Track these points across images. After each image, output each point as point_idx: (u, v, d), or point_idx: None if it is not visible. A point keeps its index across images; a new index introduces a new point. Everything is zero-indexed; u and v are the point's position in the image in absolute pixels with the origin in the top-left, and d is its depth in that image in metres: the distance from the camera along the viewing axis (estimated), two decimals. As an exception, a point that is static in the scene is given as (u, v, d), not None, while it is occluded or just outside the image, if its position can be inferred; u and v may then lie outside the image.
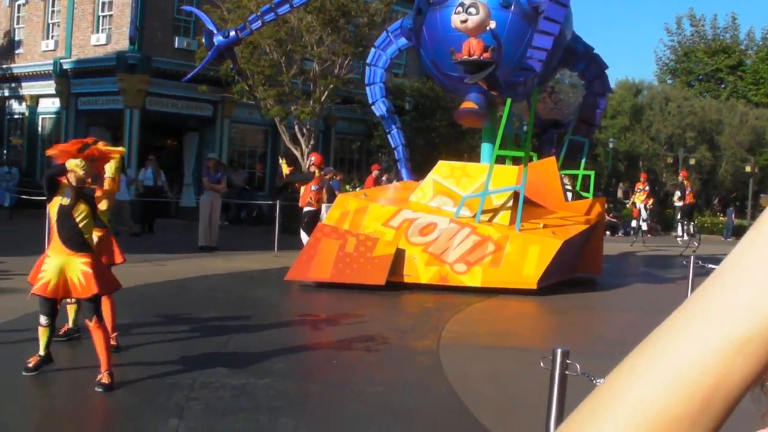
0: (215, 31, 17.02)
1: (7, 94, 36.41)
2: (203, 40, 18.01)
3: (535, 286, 14.38)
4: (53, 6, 34.32)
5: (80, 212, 7.45)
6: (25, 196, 22.59)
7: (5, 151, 35.84)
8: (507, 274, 14.62)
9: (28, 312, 10.92)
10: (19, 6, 36.01)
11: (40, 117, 35.39)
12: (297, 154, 29.55)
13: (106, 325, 7.78)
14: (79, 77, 32.32)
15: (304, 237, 17.34)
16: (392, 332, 11.13)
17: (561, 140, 18.97)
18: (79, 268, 7.32)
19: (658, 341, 0.78)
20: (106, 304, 8.37)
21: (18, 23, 36.17)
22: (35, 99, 35.05)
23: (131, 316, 11.01)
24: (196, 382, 7.71)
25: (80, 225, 7.43)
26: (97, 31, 32.06)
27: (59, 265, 7.30)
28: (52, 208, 7.43)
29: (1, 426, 6.49)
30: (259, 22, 17.42)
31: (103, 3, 32.02)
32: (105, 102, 31.80)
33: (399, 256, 14.84)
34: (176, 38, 30.46)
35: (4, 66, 35.78)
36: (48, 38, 34.33)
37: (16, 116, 36.72)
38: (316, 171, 18.18)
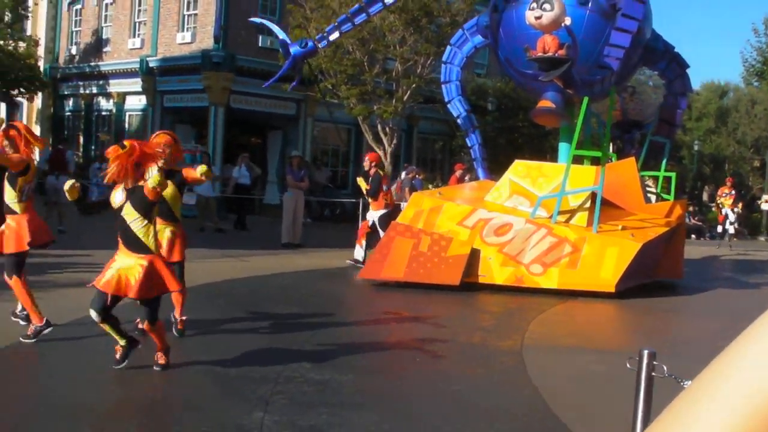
0: (289, 42, 17.02)
1: (95, 91, 37.16)
2: (280, 50, 18.06)
3: (613, 289, 14.11)
4: (140, 5, 34.98)
5: (129, 214, 7.51)
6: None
7: (93, 147, 36.60)
8: (584, 277, 14.35)
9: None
10: (106, 5, 36.75)
11: (127, 114, 36.06)
12: (380, 152, 29.70)
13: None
14: (165, 75, 32.90)
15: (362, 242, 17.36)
16: (474, 332, 11.18)
17: (642, 141, 18.73)
18: (136, 269, 7.42)
19: (746, 345, 0.78)
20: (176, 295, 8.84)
21: (105, 22, 36.91)
22: (122, 96, 35.74)
23: (216, 311, 11.25)
24: (280, 376, 7.84)
25: (133, 227, 7.49)
26: (183, 30, 32.62)
27: (120, 262, 7.47)
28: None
29: (93, 415, 6.69)
30: (349, 24, 17.42)
31: (188, 2, 32.56)
32: (190, 99, 32.33)
33: (473, 257, 14.64)
34: (260, 37, 30.77)
35: (92, 64, 36.54)
36: (134, 37, 35.00)
37: (103, 113, 37.47)
38: (377, 170, 17.72)
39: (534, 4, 13.51)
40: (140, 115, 35.20)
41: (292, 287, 14.28)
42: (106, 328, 7.54)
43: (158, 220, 8.04)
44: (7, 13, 35.42)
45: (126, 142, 7.08)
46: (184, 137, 32.30)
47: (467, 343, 10.32)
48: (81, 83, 37.74)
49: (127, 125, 35.85)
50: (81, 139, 38.44)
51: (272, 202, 29.63)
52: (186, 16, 32.61)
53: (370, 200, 17.73)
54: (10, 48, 35.26)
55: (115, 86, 35.85)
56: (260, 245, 20.20)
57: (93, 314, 7.45)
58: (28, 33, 37.92)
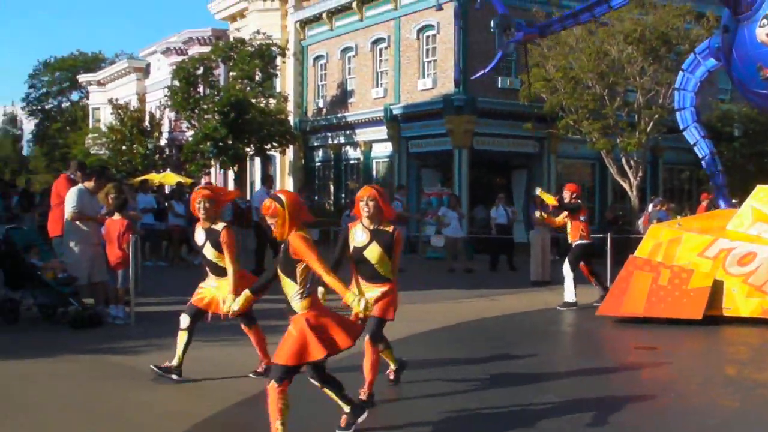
0: (509, 16, 16.60)
1: (342, 141, 38.48)
2: (495, 37, 17.53)
3: None
4: (381, 56, 36.12)
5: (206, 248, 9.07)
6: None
7: (343, 195, 37.87)
8: None
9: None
10: (349, 58, 38.12)
11: (374, 161, 37.13)
12: (625, 186, 29.32)
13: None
14: (409, 121, 33.72)
15: (567, 271, 16.13)
16: (728, 364, 10.88)
17: None
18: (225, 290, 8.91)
19: None
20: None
21: (349, 74, 38.28)
22: (369, 144, 36.89)
23: (468, 350, 11.46)
24: (536, 410, 7.93)
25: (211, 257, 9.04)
26: (423, 77, 33.41)
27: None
28: None
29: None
30: (572, 20, 17.13)
31: (428, 49, 33.36)
32: (434, 144, 32.98)
33: (716, 288, 13.80)
34: (499, 78, 31.07)
35: (339, 115, 37.92)
36: (378, 86, 36.12)
37: (351, 161, 38.72)
38: (576, 201, 16.56)
39: (765, 21, 13.04)
40: (386, 161, 36.17)
41: (544, 324, 14.33)
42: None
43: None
44: (257, 72, 37.37)
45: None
46: (430, 181, 33.05)
47: (722, 375, 10.06)
48: (329, 134, 39.20)
49: (374, 172, 36.90)
50: (331, 188, 39.87)
51: (520, 241, 29.75)
52: (426, 63, 33.41)
53: (549, 219, 17.08)
54: (262, 105, 37.14)
55: (362, 135, 37.04)
56: (510, 284, 20.32)
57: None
58: (278, 90, 39.80)
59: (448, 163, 32.00)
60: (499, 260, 24.86)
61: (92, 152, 50.90)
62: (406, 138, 34.28)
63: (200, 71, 37.98)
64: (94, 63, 77.98)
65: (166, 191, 29.24)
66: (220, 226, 9.04)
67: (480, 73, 18.37)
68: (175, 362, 9.00)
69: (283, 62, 39.92)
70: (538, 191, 16.94)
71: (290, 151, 40.74)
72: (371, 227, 8.05)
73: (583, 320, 14.74)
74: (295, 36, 41.14)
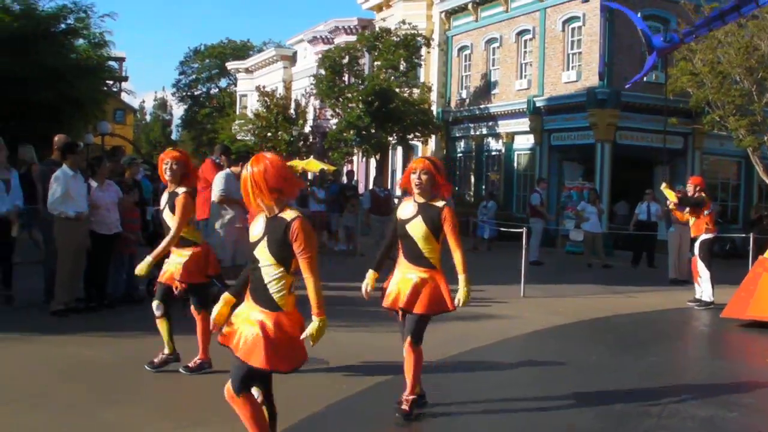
0: (650, 34, 16.47)
1: (485, 132, 38.52)
2: (645, 46, 17.45)
3: None
4: (525, 47, 35.99)
5: (166, 212, 8.60)
6: (502, 229, 23.65)
7: (483, 186, 37.90)
8: None
9: (506, 337, 11.78)
10: (494, 49, 38.08)
11: (516, 153, 37.04)
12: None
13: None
14: (551, 114, 33.54)
15: (702, 269, 15.76)
16: None
17: None
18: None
19: None
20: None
21: (493, 65, 38.24)
22: (511, 136, 36.83)
23: (602, 346, 11.47)
24: (665, 410, 7.93)
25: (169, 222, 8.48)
26: (568, 69, 33.14)
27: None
28: None
29: None
30: (719, 22, 16.77)
31: (573, 41, 33.07)
32: (576, 137, 32.70)
33: None
34: (645, 72, 30.64)
35: (482, 106, 37.93)
36: (521, 78, 36.00)
37: (493, 153, 38.72)
38: (701, 194, 16.02)
39: None
40: (528, 154, 36.06)
41: (680, 323, 14.20)
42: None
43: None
44: (402, 62, 37.68)
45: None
46: (571, 175, 32.80)
47: None
48: (471, 125, 39.28)
49: (515, 164, 36.84)
50: (471, 179, 39.95)
51: (660, 238, 29.31)
52: (570, 55, 33.14)
53: (675, 212, 16.83)
54: (406, 95, 37.45)
55: (504, 127, 37.00)
56: (648, 282, 20.11)
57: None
58: (422, 80, 40.05)
59: (590, 157, 31.71)
60: (640, 257, 24.57)
61: (238, 138, 52.16)
62: (548, 131, 34.10)
63: (346, 60, 38.51)
64: (242, 51, 79.74)
65: (309, 178, 29.74)
66: (181, 190, 8.63)
67: (632, 81, 18.07)
68: (167, 350, 8.83)
69: (428, 52, 40.13)
70: (663, 186, 16.60)
71: (432, 141, 40.98)
72: (420, 201, 7.40)
73: (717, 321, 14.38)
74: (440, 26, 41.31)
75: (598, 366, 10.06)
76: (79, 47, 29.62)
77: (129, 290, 13.37)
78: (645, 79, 20.80)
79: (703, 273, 15.68)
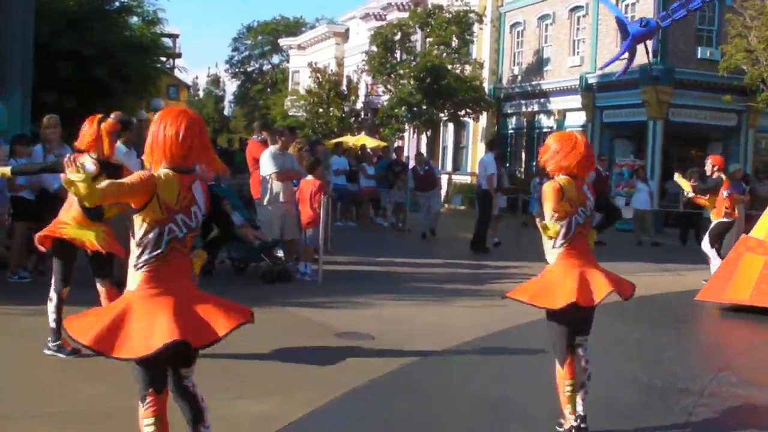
0: (626, 21, 15.73)
1: (536, 109, 38.38)
2: (619, 32, 16.68)
3: None
4: (578, 23, 35.73)
5: None
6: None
7: (534, 163, 37.79)
8: None
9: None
10: (546, 25, 37.87)
11: (567, 130, 36.75)
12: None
13: None
14: (603, 91, 33.26)
15: (707, 249, 15.08)
16: None
17: None
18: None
19: None
20: None
21: (546, 42, 38.03)
22: (562, 113, 36.66)
23: (648, 323, 11.52)
24: (706, 389, 7.98)
25: None
26: (620, 46, 32.82)
27: None
28: None
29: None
30: (698, 1, 15.86)
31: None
32: (628, 114, 32.45)
33: None
34: (698, 48, 30.33)
35: (534, 83, 37.79)
36: (574, 54, 35.77)
37: (545, 129, 38.49)
38: (719, 174, 15.07)
39: None
40: (580, 131, 35.80)
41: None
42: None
43: None
44: (454, 39, 37.65)
45: None
46: (623, 152, 32.61)
47: None
48: (523, 102, 39.15)
49: (566, 141, 36.63)
50: (523, 156, 39.86)
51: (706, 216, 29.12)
52: (624, 32, 32.86)
53: (696, 198, 15.83)
54: (458, 71, 37.42)
55: (556, 104, 36.83)
56: (697, 260, 19.97)
57: None
58: (474, 56, 39.98)
59: (642, 135, 31.49)
60: (689, 235, 24.43)
61: (290, 114, 52.51)
62: (600, 108, 33.85)
63: (398, 37, 38.55)
64: (295, 27, 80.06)
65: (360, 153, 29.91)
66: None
67: (606, 65, 17.59)
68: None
69: (480, 29, 39.95)
70: (676, 176, 16.05)
71: (483, 118, 40.86)
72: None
73: None
74: (492, 3, 41.07)
75: (641, 342, 10.12)
76: (133, 25, 29.97)
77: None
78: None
79: (709, 253, 14.96)
